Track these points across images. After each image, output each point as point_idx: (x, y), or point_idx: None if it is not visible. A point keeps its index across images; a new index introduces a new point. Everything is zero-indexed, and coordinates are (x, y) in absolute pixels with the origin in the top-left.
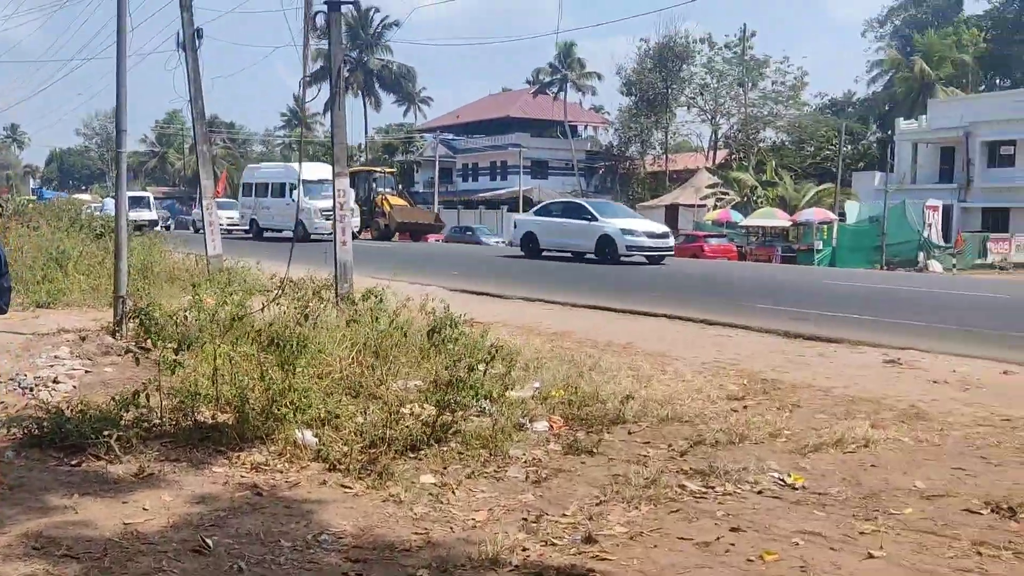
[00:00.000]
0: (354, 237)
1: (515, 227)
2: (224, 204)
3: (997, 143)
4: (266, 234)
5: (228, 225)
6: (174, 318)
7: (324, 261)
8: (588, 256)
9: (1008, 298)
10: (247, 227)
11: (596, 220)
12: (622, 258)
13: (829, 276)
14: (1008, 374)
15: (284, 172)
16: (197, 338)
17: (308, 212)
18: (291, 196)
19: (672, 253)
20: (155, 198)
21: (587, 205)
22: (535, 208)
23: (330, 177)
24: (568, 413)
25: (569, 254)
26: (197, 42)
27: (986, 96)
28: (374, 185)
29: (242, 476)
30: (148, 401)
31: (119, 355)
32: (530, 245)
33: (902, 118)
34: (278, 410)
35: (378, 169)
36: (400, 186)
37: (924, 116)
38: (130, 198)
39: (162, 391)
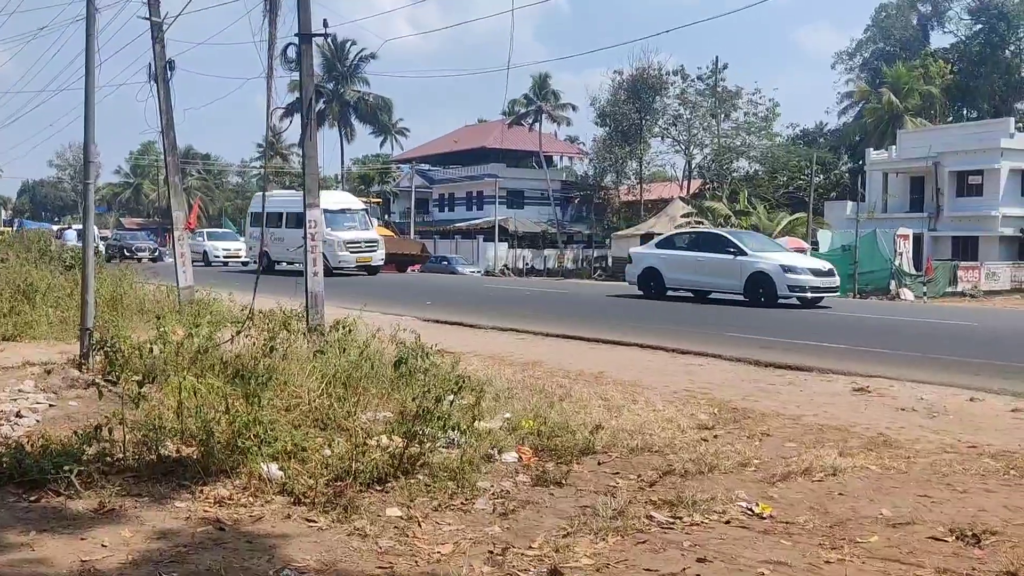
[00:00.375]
0: (373, 271)
1: (631, 262)
2: (222, 235)
3: (965, 173)
4: (279, 267)
5: (226, 257)
6: (139, 350)
7: (295, 291)
8: (733, 297)
9: (976, 326)
10: (254, 260)
11: (744, 255)
12: (780, 300)
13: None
14: (974, 401)
15: (302, 201)
16: (162, 370)
17: (331, 244)
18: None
19: (836, 293)
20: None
21: (730, 236)
22: (656, 240)
23: (354, 206)
24: (537, 444)
25: (692, 294)
26: (169, 74)
27: (954, 127)
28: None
29: (205, 511)
30: (111, 435)
31: (85, 388)
32: (651, 283)
33: (872, 148)
34: (243, 443)
35: (363, 200)
36: (387, 217)
37: (894, 146)
38: (130, 232)
39: (125, 424)
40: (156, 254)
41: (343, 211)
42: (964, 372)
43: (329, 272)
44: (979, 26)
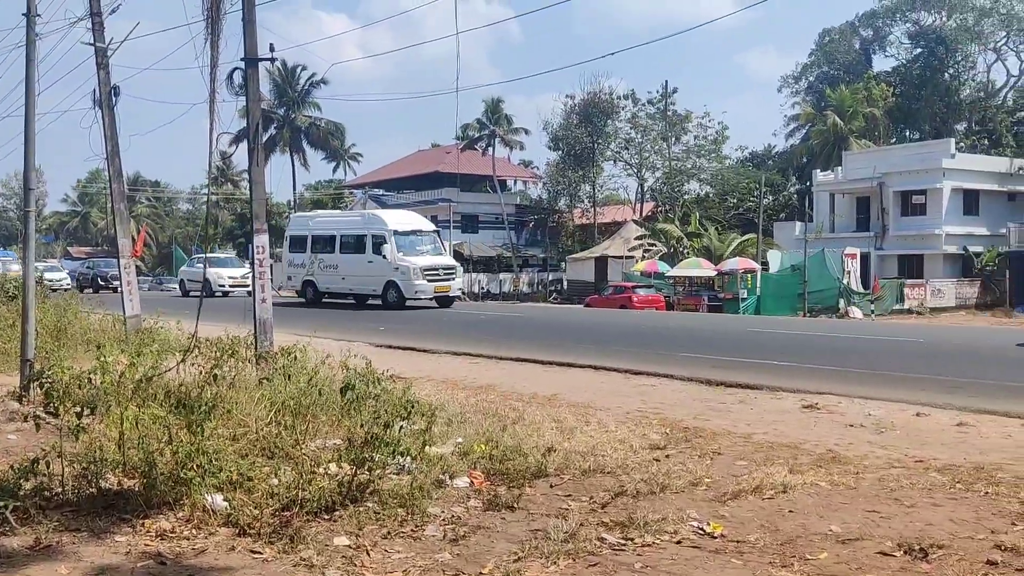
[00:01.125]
0: (448, 303)
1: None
2: (224, 261)
3: (909, 193)
4: (328, 299)
5: (232, 286)
6: (79, 381)
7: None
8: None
9: (923, 342)
10: (293, 289)
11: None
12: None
13: (753, 324)
14: (921, 416)
15: (362, 221)
16: (104, 401)
17: (406, 273)
18: (375, 251)
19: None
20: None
21: None
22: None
23: (424, 228)
24: (490, 468)
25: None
26: (114, 99)
27: (897, 148)
28: None
29: (146, 544)
30: (49, 468)
31: (24, 421)
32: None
33: (819, 170)
34: (186, 474)
35: None
36: None
37: (840, 168)
38: (104, 260)
39: (64, 457)
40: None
41: (414, 232)
42: (911, 388)
43: (402, 304)
44: (919, 50)
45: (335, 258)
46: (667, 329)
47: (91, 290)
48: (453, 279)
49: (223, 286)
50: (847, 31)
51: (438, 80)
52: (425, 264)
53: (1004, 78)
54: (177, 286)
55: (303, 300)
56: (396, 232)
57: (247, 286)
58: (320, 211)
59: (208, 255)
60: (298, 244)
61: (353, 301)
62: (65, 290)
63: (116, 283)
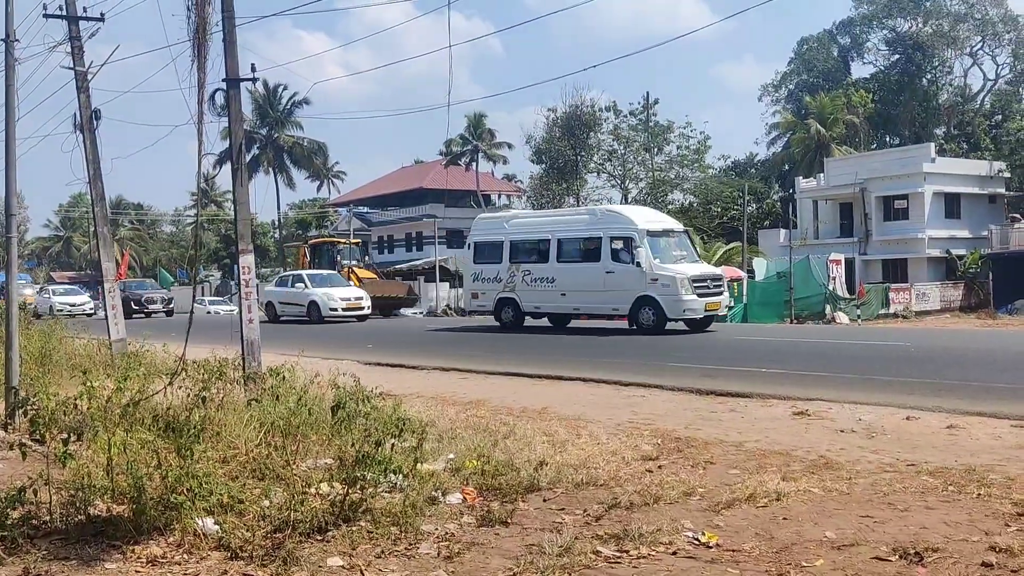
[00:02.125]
0: (707, 323)
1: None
2: (328, 277)
3: (891, 198)
4: (531, 320)
5: (346, 309)
6: (65, 407)
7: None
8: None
9: (909, 346)
10: (478, 308)
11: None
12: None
13: (741, 332)
14: (911, 419)
15: (591, 220)
16: (91, 427)
17: (670, 284)
18: (616, 258)
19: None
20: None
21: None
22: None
23: (675, 227)
24: (482, 483)
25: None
26: (95, 123)
27: (878, 154)
28: (338, 257)
29: (136, 571)
30: (36, 496)
31: (10, 449)
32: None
33: (801, 177)
34: (176, 498)
35: (342, 240)
36: (367, 257)
37: (822, 174)
38: (136, 282)
39: (52, 485)
40: (171, 307)
41: (666, 233)
42: (900, 391)
43: (661, 326)
44: (896, 56)
45: (549, 268)
46: (655, 339)
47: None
48: (722, 292)
49: (335, 309)
50: (825, 39)
51: (419, 97)
52: (695, 274)
53: (981, 82)
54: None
55: (498, 324)
56: (649, 232)
57: (361, 309)
58: (518, 211)
59: (308, 271)
60: (489, 252)
61: (549, 324)
62: (88, 316)
63: (152, 307)
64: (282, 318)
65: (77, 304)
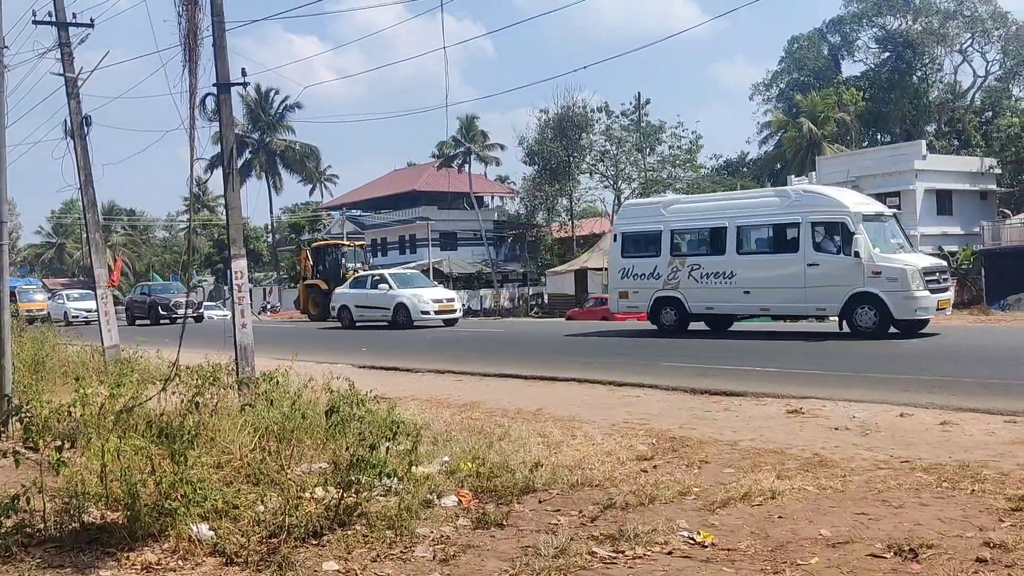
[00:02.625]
0: (914, 329)
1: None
2: (411, 278)
3: (883, 195)
4: (702, 323)
5: (439, 312)
6: (58, 414)
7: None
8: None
9: (903, 342)
10: (633, 312)
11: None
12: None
13: (733, 330)
14: (905, 416)
15: (783, 204)
16: (84, 434)
17: (899, 278)
18: (819, 248)
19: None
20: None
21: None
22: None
23: (885, 211)
24: (477, 485)
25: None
26: (85, 129)
27: (869, 151)
28: (343, 260)
29: None
30: (30, 504)
31: (3, 457)
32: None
33: (793, 175)
34: (170, 504)
35: (347, 243)
36: (371, 260)
37: (814, 172)
38: (162, 285)
39: (45, 492)
40: (201, 311)
41: (878, 217)
42: (893, 388)
43: (884, 330)
44: (887, 54)
45: (727, 261)
46: (649, 339)
47: (147, 322)
48: (949, 286)
49: (426, 312)
50: (815, 38)
51: (411, 99)
52: (926, 265)
53: (971, 79)
54: (335, 313)
55: (656, 327)
56: (865, 216)
57: (453, 312)
58: (677, 195)
59: (389, 272)
60: (641, 244)
61: (708, 328)
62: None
63: (184, 311)
64: (358, 323)
65: (94, 310)
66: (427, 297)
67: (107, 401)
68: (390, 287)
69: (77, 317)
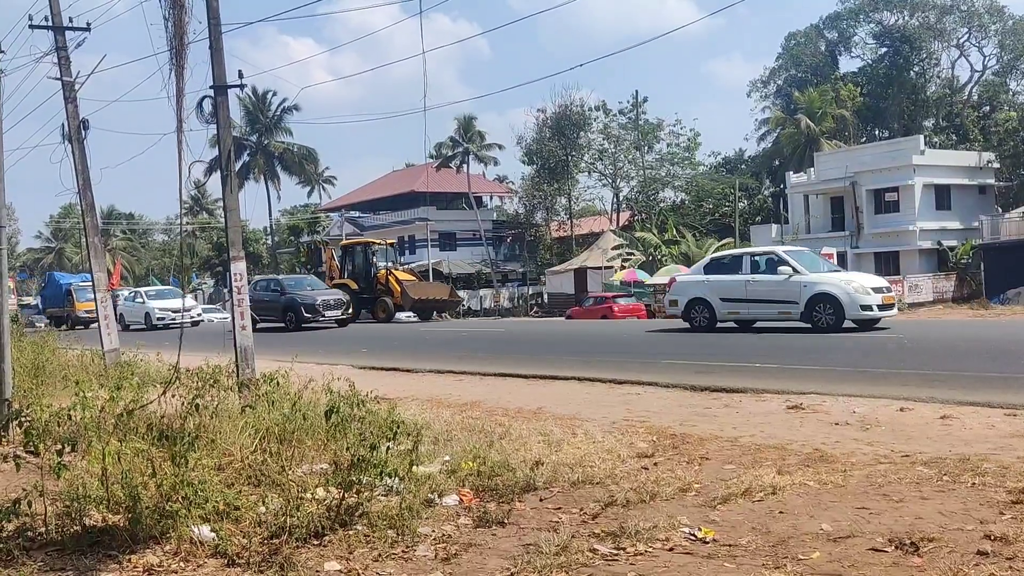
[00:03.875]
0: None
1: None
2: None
3: (882, 191)
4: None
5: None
6: (58, 418)
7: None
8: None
9: (902, 337)
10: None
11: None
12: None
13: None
14: (904, 411)
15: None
16: (85, 437)
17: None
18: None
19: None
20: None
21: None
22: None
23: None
24: (478, 484)
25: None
26: (83, 133)
27: (867, 147)
28: (373, 259)
29: None
30: (31, 508)
31: (4, 461)
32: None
33: (792, 172)
34: (171, 506)
35: (377, 241)
36: (400, 257)
37: (812, 169)
38: (294, 278)
39: (47, 496)
40: (349, 311)
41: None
42: (893, 383)
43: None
44: (884, 49)
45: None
46: (649, 337)
47: (280, 325)
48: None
49: (867, 307)
50: (812, 34)
51: (409, 100)
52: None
53: (968, 74)
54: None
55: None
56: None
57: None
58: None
59: (783, 250)
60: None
61: None
62: (194, 324)
63: (331, 314)
64: (723, 323)
65: (170, 311)
66: (863, 285)
67: (107, 404)
68: (794, 271)
69: (163, 319)
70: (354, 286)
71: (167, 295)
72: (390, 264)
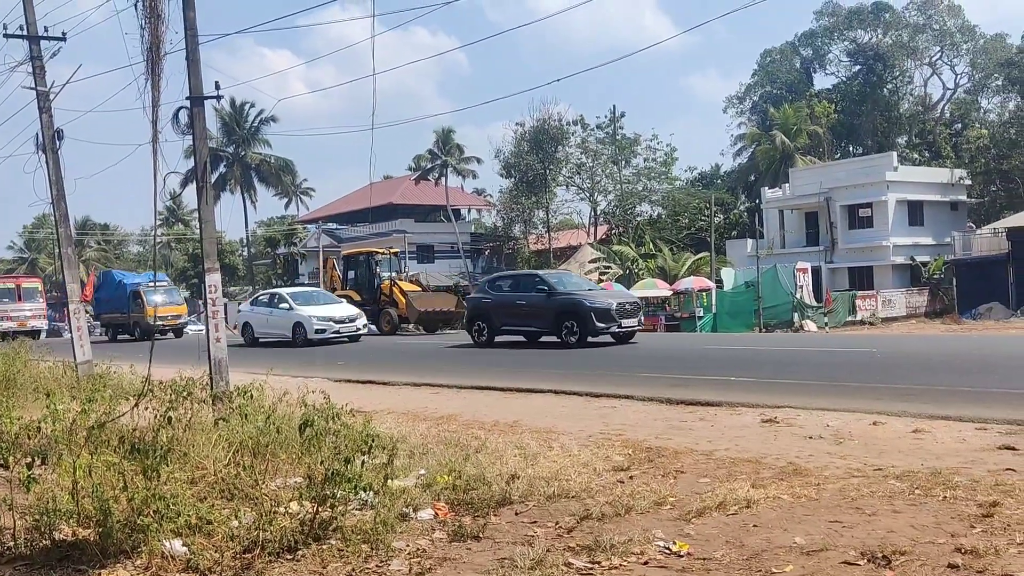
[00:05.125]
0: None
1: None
2: None
3: (855, 206)
4: None
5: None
6: (28, 430)
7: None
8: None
9: (876, 352)
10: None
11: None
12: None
13: (710, 341)
14: (877, 424)
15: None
16: (55, 450)
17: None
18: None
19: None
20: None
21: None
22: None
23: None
24: (454, 498)
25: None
26: (57, 143)
27: (841, 163)
28: (377, 269)
29: None
30: (0, 522)
31: None
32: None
33: (767, 187)
34: (142, 520)
35: (381, 250)
36: (406, 268)
37: (787, 184)
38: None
39: (16, 510)
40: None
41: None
42: (867, 397)
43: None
44: (858, 67)
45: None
46: (626, 350)
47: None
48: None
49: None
50: (787, 51)
51: (389, 113)
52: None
53: (940, 92)
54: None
55: None
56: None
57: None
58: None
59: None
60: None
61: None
62: (354, 340)
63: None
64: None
65: (346, 318)
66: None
67: (79, 417)
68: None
69: (322, 332)
70: (357, 297)
71: (319, 298)
72: (394, 274)
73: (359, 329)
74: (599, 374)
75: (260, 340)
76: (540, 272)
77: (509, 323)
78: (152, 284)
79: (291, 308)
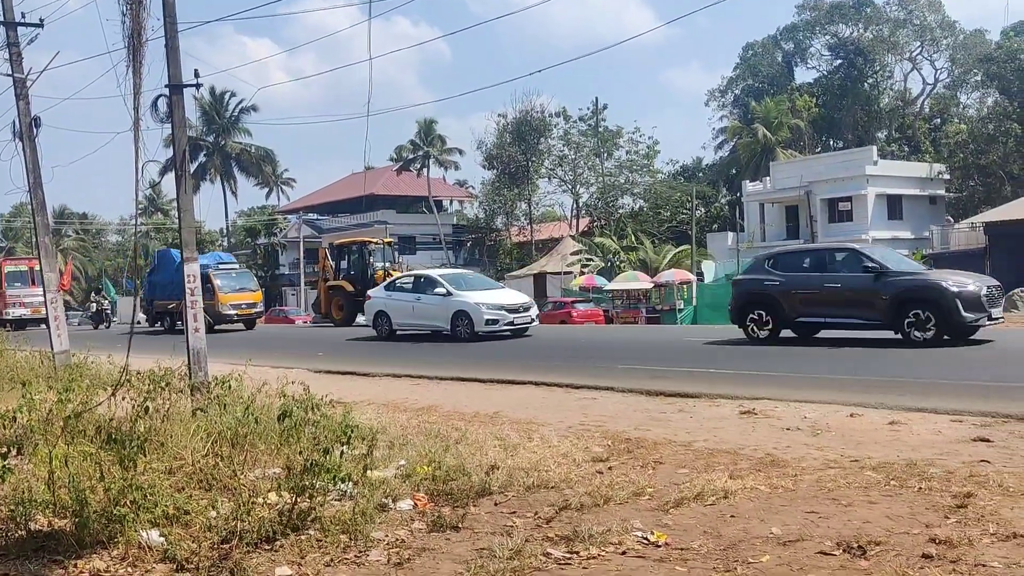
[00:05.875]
0: (521, 332)
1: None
2: None
3: (835, 200)
4: None
5: None
6: (3, 420)
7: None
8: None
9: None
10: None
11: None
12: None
13: (690, 333)
14: (854, 416)
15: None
16: (31, 440)
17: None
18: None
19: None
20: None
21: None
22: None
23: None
24: (433, 489)
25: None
26: (35, 131)
27: (822, 157)
28: (370, 259)
29: None
30: None
31: None
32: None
33: (748, 181)
34: (119, 511)
35: (374, 240)
36: (400, 258)
37: (768, 178)
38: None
39: None
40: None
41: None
42: (844, 389)
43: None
44: (839, 61)
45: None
46: (606, 342)
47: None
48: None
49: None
50: (769, 45)
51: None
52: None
53: (920, 86)
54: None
55: None
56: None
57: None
58: None
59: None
60: None
61: None
62: (516, 333)
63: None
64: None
65: (520, 307)
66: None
67: (55, 407)
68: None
69: (494, 323)
70: (349, 288)
71: (475, 283)
72: (388, 264)
73: (533, 320)
74: (580, 365)
75: (399, 332)
76: (857, 246)
77: (809, 313)
78: (227, 266)
79: (448, 294)
